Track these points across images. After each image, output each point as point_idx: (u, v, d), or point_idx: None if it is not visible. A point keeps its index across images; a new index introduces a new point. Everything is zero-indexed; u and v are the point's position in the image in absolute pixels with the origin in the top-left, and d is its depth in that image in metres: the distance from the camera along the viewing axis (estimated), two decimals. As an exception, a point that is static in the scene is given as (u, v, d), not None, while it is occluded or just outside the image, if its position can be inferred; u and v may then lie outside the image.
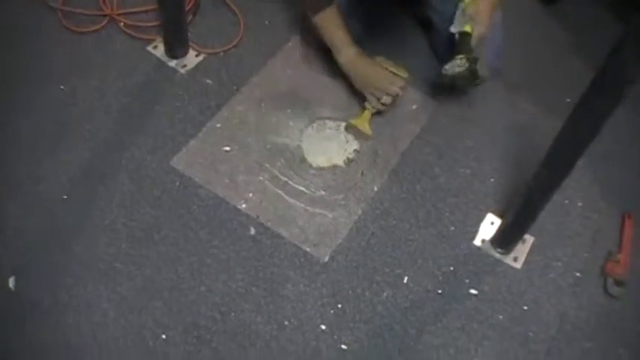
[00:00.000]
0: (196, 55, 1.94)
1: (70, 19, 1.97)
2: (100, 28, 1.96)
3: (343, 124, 1.84)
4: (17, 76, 1.85)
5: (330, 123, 1.85)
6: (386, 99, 1.79)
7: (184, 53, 1.93)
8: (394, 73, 1.81)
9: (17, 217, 1.60)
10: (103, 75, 1.87)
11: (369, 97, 1.81)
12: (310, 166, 1.75)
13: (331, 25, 1.81)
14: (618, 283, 1.63)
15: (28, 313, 1.48)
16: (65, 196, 1.64)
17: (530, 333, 1.55)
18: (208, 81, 1.90)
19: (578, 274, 1.65)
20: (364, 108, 1.84)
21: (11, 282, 1.52)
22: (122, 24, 1.97)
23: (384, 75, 1.80)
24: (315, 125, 1.84)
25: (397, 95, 1.80)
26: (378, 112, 1.84)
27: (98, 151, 1.73)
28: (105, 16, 1.97)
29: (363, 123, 1.82)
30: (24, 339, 1.45)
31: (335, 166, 1.76)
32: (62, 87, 1.83)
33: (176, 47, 1.91)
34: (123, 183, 1.68)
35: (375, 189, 1.73)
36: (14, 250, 1.56)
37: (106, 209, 1.63)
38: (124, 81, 1.87)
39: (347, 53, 1.81)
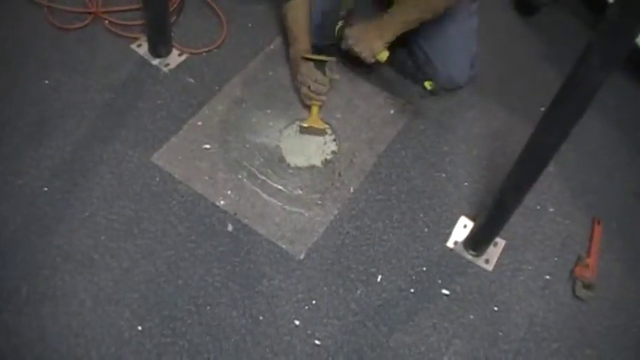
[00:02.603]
0: (179, 55, 1.97)
1: (55, 16, 1.99)
2: (85, 26, 1.99)
3: (326, 125, 1.88)
4: (0, 70, 1.87)
5: (308, 123, 1.89)
6: (315, 87, 1.81)
7: (167, 52, 1.96)
8: (317, 60, 1.83)
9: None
10: (86, 71, 1.90)
11: (303, 96, 1.86)
12: (288, 165, 1.78)
13: (293, 16, 1.88)
14: (587, 286, 1.67)
15: (6, 302, 1.49)
16: (46, 189, 1.66)
17: (500, 333, 1.58)
18: (190, 80, 1.93)
19: (547, 277, 1.69)
20: (309, 106, 1.87)
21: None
22: (107, 22, 1.99)
23: (305, 67, 1.82)
24: (294, 126, 1.87)
25: (320, 83, 1.81)
26: (320, 103, 1.86)
27: (80, 145, 1.75)
28: (90, 13, 2.00)
29: (315, 120, 1.85)
30: (1, 328, 1.46)
31: (313, 167, 1.79)
32: (46, 82, 1.85)
33: (160, 46, 1.93)
34: (103, 177, 1.70)
35: (352, 190, 1.76)
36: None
37: (86, 202, 1.65)
38: (108, 77, 1.89)
39: (294, 48, 1.88)
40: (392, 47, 1.83)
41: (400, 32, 1.78)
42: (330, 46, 1.89)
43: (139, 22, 2.01)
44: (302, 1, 1.85)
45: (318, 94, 1.82)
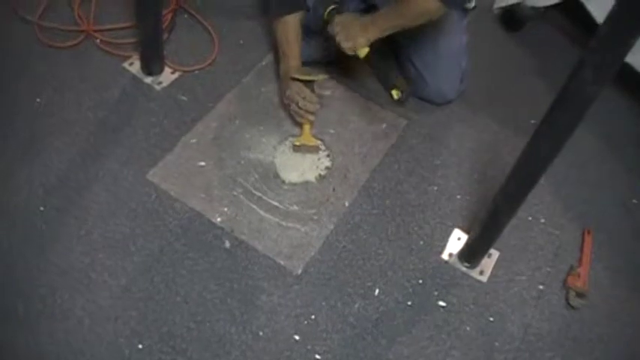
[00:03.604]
0: (172, 73, 1.98)
1: (46, 34, 1.99)
2: (77, 44, 1.99)
3: (319, 142, 1.89)
4: (-8, 88, 1.88)
5: (302, 140, 1.90)
6: (303, 104, 1.82)
7: (160, 70, 1.97)
8: (306, 80, 1.84)
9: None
10: (79, 89, 1.90)
11: (293, 113, 1.87)
12: (283, 181, 1.79)
13: (283, 33, 1.89)
14: (579, 295, 1.69)
15: (2, 322, 1.48)
16: (42, 208, 1.65)
17: (496, 343, 1.60)
18: (184, 97, 1.94)
19: (541, 287, 1.71)
20: (301, 124, 1.88)
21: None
22: (98, 40, 2.00)
23: (294, 85, 1.83)
24: (287, 142, 1.88)
25: (308, 101, 1.82)
26: (311, 121, 1.87)
27: (74, 163, 1.75)
28: (81, 31, 2.01)
29: (307, 138, 1.87)
30: (-3, 348, 1.45)
31: (307, 182, 1.81)
32: (38, 100, 1.85)
33: (152, 64, 1.94)
34: (99, 195, 1.70)
35: (346, 204, 1.78)
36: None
37: (82, 220, 1.65)
38: (101, 96, 1.90)
39: (284, 65, 1.89)
40: (372, 48, 1.82)
41: (385, 34, 1.77)
42: (317, 63, 1.91)
43: (131, 40, 2.02)
44: (292, 18, 1.87)
45: (307, 111, 1.83)
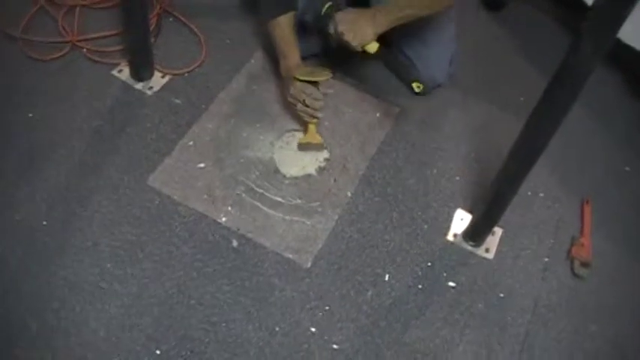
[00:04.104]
0: (162, 77, 1.97)
1: (31, 47, 1.97)
2: (63, 55, 1.97)
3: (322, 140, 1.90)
4: (-18, 106, 1.85)
5: (298, 134, 1.90)
6: (310, 102, 1.80)
7: (150, 75, 1.96)
8: (310, 82, 1.82)
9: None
10: (71, 100, 1.88)
11: (299, 112, 1.85)
12: (284, 176, 1.80)
13: (280, 33, 1.87)
14: (584, 264, 1.73)
15: (16, 339, 1.47)
16: (44, 222, 1.64)
17: (509, 318, 1.63)
18: (177, 101, 1.93)
19: (546, 260, 1.74)
20: (306, 122, 1.88)
21: (-7, 307, 1.52)
22: (85, 50, 1.98)
23: (299, 88, 1.81)
24: (284, 138, 1.89)
25: (314, 98, 1.80)
26: (317, 118, 1.86)
27: (74, 174, 1.74)
28: (67, 42, 1.99)
29: (313, 136, 1.87)
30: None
31: (308, 175, 1.82)
32: (30, 114, 1.83)
33: (142, 70, 1.94)
34: (101, 204, 1.69)
35: (349, 194, 1.79)
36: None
37: (87, 231, 1.64)
38: (93, 105, 1.88)
39: (285, 64, 1.88)
40: (381, 42, 1.77)
41: (393, 25, 1.74)
42: (315, 55, 1.91)
43: (118, 47, 2.00)
44: (286, 18, 1.85)
45: (314, 109, 1.82)
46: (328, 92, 1.88)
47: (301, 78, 1.79)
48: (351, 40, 1.70)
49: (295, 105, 1.84)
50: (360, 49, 1.74)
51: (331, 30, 1.74)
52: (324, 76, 1.83)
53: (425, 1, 1.75)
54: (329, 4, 1.76)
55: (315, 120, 1.86)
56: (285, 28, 1.85)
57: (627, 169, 2.01)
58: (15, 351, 1.45)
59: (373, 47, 1.74)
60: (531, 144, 1.42)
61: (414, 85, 1.78)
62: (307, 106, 1.81)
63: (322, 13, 1.77)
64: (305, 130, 1.89)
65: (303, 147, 1.87)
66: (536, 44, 2.29)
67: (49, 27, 2.04)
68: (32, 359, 1.44)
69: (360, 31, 1.70)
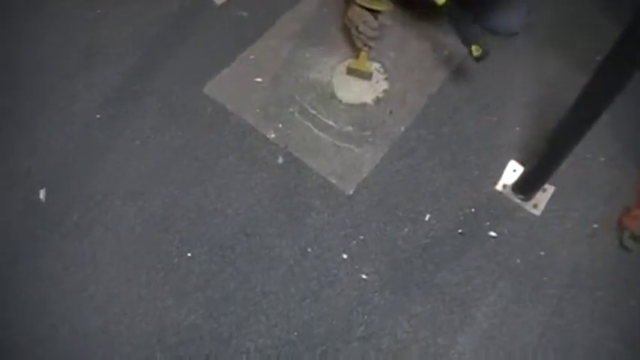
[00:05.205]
0: (233, -13, 1.95)
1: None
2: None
3: (375, 64, 1.86)
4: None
5: (360, 62, 1.87)
6: (363, 28, 1.77)
7: (220, -16, 1.94)
8: (368, 9, 1.78)
9: (51, 133, 1.64)
10: (138, 2, 1.89)
11: (353, 37, 1.82)
12: (340, 102, 1.78)
13: None
14: (634, 237, 1.65)
15: (57, 225, 1.53)
16: (98, 115, 1.68)
17: (545, 278, 1.58)
18: (243, 14, 1.91)
19: (595, 226, 1.68)
20: (359, 49, 1.84)
21: (42, 194, 1.57)
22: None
23: (357, 13, 1.78)
24: (346, 63, 1.85)
25: (369, 27, 1.78)
26: (369, 47, 1.83)
27: (130, 75, 1.76)
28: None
29: (363, 63, 1.83)
30: (50, 248, 1.50)
31: (364, 104, 1.79)
32: (98, 11, 1.85)
33: (212, -22, 1.92)
34: (154, 106, 1.71)
35: (402, 129, 1.76)
36: (46, 164, 1.61)
37: (138, 130, 1.67)
38: (158, 10, 1.89)
39: None
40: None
41: None
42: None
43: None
44: None
45: (367, 37, 1.79)
46: (387, 24, 1.83)
47: (361, 3, 1.75)
48: None
49: (350, 29, 1.82)
50: None
51: None
52: (384, 6, 1.78)
53: None
54: None
55: (366, 47, 1.82)
56: None
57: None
58: (54, 237, 1.51)
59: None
60: (594, 101, 1.35)
61: (474, 47, 1.70)
62: (361, 32, 1.78)
63: None
64: (357, 56, 1.85)
65: (351, 72, 1.84)
66: (618, 2, 2.16)
67: None
68: (70, 248, 1.50)
69: None
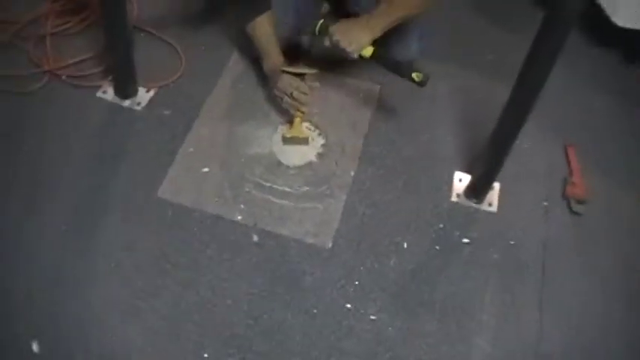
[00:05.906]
0: (147, 91, 1.99)
1: (8, 82, 1.96)
2: (43, 85, 1.97)
3: (304, 123, 1.95)
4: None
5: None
6: (297, 95, 1.87)
7: (135, 92, 1.97)
8: (295, 74, 1.91)
9: (25, 282, 1.60)
10: (62, 130, 1.89)
11: (285, 105, 1.91)
12: (288, 167, 1.86)
13: (262, 33, 1.92)
14: (579, 201, 1.84)
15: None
16: (61, 251, 1.65)
17: (523, 260, 1.73)
18: (167, 112, 1.96)
19: (545, 204, 1.85)
20: (292, 116, 1.93)
21: (34, 346, 1.52)
22: (64, 77, 1.98)
23: (286, 81, 1.89)
24: (280, 130, 1.94)
25: (301, 91, 1.87)
26: (302, 112, 1.92)
27: (83, 200, 1.75)
28: (45, 72, 1.98)
29: (298, 129, 1.92)
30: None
31: (310, 163, 1.88)
32: (26, 148, 1.83)
33: (127, 87, 1.95)
34: (117, 224, 1.71)
35: (352, 174, 1.86)
36: (29, 315, 1.56)
37: (108, 253, 1.66)
38: (85, 131, 1.90)
39: (269, 62, 1.92)
40: (373, 44, 1.83)
41: (387, 28, 1.79)
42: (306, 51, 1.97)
43: (96, 69, 2.01)
44: (266, 17, 1.89)
45: (301, 102, 1.88)
46: (314, 85, 1.95)
47: (289, 70, 1.84)
48: (348, 47, 1.76)
49: (282, 98, 1.90)
50: (357, 56, 1.79)
51: (327, 43, 1.79)
52: (310, 68, 1.88)
53: (414, 1, 1.81)
54: (320, 21, 1.82)
55: (299, 113, 1.91)
56: (266, 27, 1.90)
57: (597, 106, 2.13)
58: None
59: (368, 51, 1.81)
60: (524, 99, 1.51)
61: (414, 75, 1.83)
62: (294, 99, 1.87)
63: (316, 31, 1.82)
64: (290, 124, 1.94)
65: (288, 141, 1.91)
66: (494, 6, 2.38)
67: (21, 60, 2.03)
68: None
69: (356, 38, 1.76)
